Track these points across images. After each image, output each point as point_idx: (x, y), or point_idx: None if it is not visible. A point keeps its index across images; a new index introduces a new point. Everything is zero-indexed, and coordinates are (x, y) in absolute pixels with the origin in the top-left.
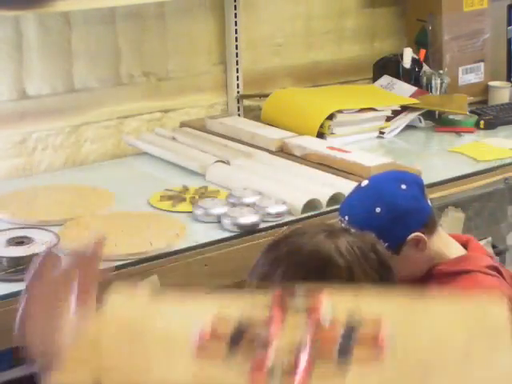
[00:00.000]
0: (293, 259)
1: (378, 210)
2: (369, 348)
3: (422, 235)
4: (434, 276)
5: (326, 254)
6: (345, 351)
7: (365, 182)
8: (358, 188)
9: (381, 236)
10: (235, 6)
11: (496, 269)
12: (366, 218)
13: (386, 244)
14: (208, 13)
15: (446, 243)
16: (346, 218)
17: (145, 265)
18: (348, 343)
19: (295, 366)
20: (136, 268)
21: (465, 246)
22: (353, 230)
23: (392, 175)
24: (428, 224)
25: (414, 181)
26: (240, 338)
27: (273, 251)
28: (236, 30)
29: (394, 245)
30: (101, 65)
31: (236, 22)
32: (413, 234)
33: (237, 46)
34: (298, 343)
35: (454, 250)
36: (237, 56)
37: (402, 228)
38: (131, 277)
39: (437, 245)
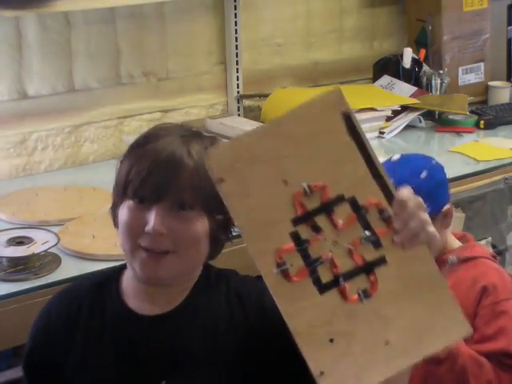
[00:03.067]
0: (153, 162)
1: (423, 174)
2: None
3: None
4: (442, 264)
5: (179, 158)
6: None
7: (396, 156)
8: (391, 160)
9: (427, 200)
10: (235, 5)
11: (495, 257)
12: (412, 181)
13: (429, 210)
14: (208, 13)
15: (451, 234)
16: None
17: None
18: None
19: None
20: None
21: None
22: (205, 134)
23: (420, 154)
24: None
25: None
26: None
27: (137, 152)
28: (236, 29)
29: (434, 211)
30: (101, 65)
31: (236, 21)
32: (447, 205)
33: (237, 46)
34: None
35: (456, 242)
36: (237, 56)
37: (442, 196)
38: None
39: (448, 233)
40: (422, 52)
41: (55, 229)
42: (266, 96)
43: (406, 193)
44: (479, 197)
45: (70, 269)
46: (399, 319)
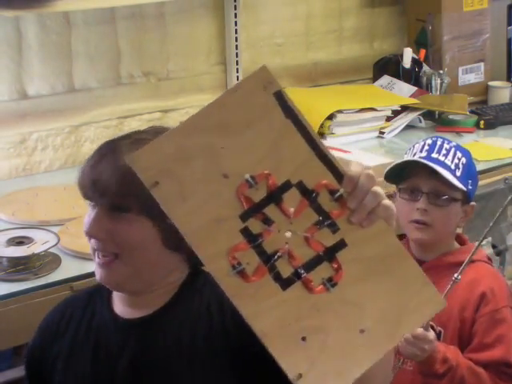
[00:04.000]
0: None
1: (463, 160)
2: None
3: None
4: (441, 265)
5: (112, 160)
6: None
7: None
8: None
9: (472, 177)
10: (235, 5)
11: (490, 260)
12: (470, 156)
13: (471, 187)
14: (208, 13)
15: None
16: (455, 143)
17: None
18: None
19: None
20: None
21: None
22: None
23: None
24: None
25: None
26: None
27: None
28: (236, 30)
29: (472, 193)
30: (101, 65)
31: (236, 22)
32: (473, 202)
33: (237, 46)
34: None
35: (455, 243)
36: (237, 56)
37: (474, 187)
38: None
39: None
40: (422, 52)
41: (55, 229)
42: None
43: (355, 168)
44: (479, 197)
45: (70, 269)
46: (370, 303)
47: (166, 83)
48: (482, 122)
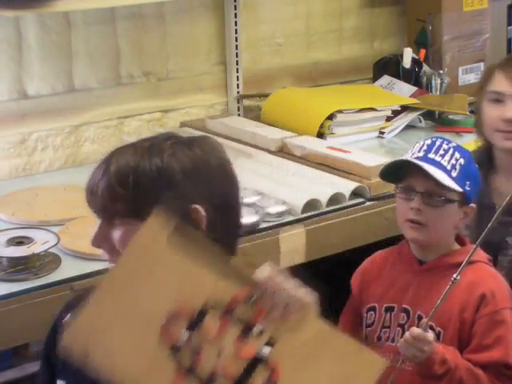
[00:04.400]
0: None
1: (462, 161)
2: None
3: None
4: (441, 266)
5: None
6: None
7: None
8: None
9: (471, 178)
10: (235, 6)
11: (490, 261)
12: (469, 156)
13: (469, 188)
14: (208, 13)
15: (453, 235)
16: (454, 144)
17: None
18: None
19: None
20: None
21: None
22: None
23: None
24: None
25: None
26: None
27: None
28: (236, 30)
29: (470, 195)
30: (101, 65)
31: (236, 21)
32: (473, 204)
33: (237, 46)
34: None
35: (455, 244)
36: (237, 56)
37: (476, 190)
38: None
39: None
40: (422, 52)
41: (55, 229)
42: (266, 96)
43: (263, 271)
44: None
45: (70, 269)
46: None
47: (166, 83)
48: None
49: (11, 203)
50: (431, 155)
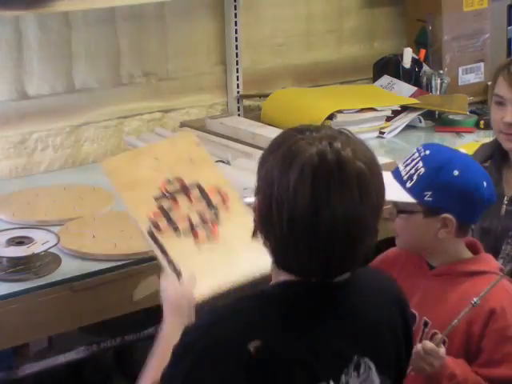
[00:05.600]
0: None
1: (456, 173)
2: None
3: (453, 220)
4: (451, 273)
5: None
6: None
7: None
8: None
9: (433, 188)
10: (235, 6)
11: (502, 271)
12: (441, 167)
13: (430, 199)
14: (208, 13)
15: (463, 244)
16: (428, 152)
17: (145, 265)
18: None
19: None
20: (136, 268)
21: (468, 247)
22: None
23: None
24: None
25: None
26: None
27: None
28: (236, 30)
29: (433, 206)
30: (101, 65)
31: (236, 22)
32: (449, 216)
33: (237, 46)
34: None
35: (466, 251)
36: (237, 56)
37: (453, 203)
38: (131, 277)
39: (458, 243)
40: (422, 52)
41: (55, 229)
42: (266, 96)
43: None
44: None
45: (70, 269)
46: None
47: (166, 83)
48: (481, 122)
49: (11, 203)
50: (400, 164)
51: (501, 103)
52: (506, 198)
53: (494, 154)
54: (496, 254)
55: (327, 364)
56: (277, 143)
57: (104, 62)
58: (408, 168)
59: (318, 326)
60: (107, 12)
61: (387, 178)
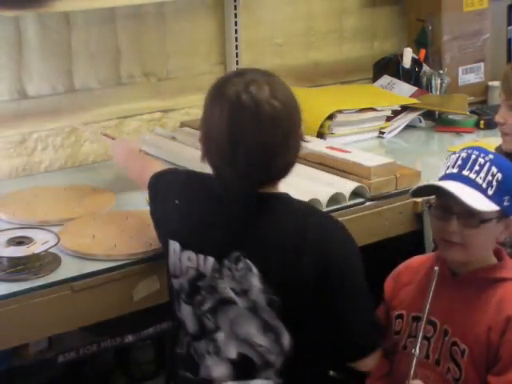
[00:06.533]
0: None
1: (499, 176)
2: None
3: None
4: (476, 281)
5: None
6: None
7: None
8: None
9: (510, 193)
10: (235, 5)
11: None
12: (509, 168)
13: (508, 203)
14: (208, 13)
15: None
16: (491, 156)
17: (145, 265)
18: None
19: None
20: (136, 268)
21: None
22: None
23: None
24: None
25: None
26: None
27: None
28: (236, 29)
29: (509, 209)
30: (101, 65)
31: (236, 21)
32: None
33: (237, 45)
34: None
35: (492, 257)
36: (237, 56)
37: None
38: (131, 277)
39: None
40: (422, 52)
41: (55, 229)
42: None
43: None
44: None
45: (70, 269)
46: None
47: (166, 83)
48: (481, 122)
49: (11, 203)
50: (466, 172)
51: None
52: None
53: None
54: None
55: (206, 241)
56: (212, 85)
57: (104, 62)
58: (482, 174)
59: (215, 209)
60: (107, 12)
61: (462, 188)
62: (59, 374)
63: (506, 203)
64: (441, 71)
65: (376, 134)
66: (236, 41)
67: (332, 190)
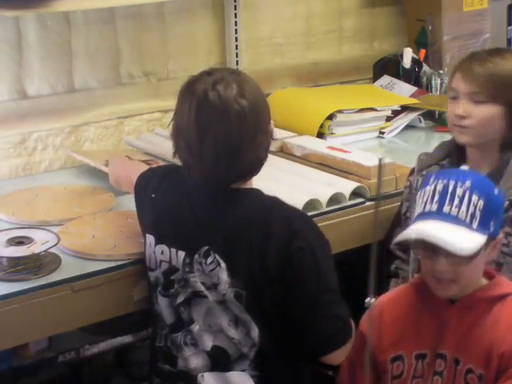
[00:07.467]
0: None
1: (496, 191)
2: None
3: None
4: (477, 302)
5: None
6: None
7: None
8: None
9: (494, 215)
10: (235, 5)
11: None
12: (488, 191)
13: (494, 227)
14: (208, 13)
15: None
16: (468, 183)
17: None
18: None
19: None
20: (136, 268)
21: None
22: None
23: None
24: None
25: None
26: None
27: None
28: (236, 29)
29: (495, 232)
30: (101, 65)
31: (236, 21)
32: (500, 235)
33: (237, 45)
34: None
35: (482, 279)
36: (237, 56)
37: (501, 223)
38: (131, 277)
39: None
40: (422, 52)
41: (55, 229)
42: (265, 96)
43: None
44: None
45: (70, 269)
46: None
47: (166, 83)
48: None
49: (11, 203)
50: (446, 208)
51: (455, 98)
52: None
53: (451, 152)
54: None
55: (178, 235)
56: (184, 83)
57: (104, 62)
58: (464, 208)
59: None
60: (107, 12)
61: (447, 230)
62: (59, 374)
63: (492, 228)
64: (441, 71)
65: (376, 134)
66: (236, 41)
67: (332, 190)
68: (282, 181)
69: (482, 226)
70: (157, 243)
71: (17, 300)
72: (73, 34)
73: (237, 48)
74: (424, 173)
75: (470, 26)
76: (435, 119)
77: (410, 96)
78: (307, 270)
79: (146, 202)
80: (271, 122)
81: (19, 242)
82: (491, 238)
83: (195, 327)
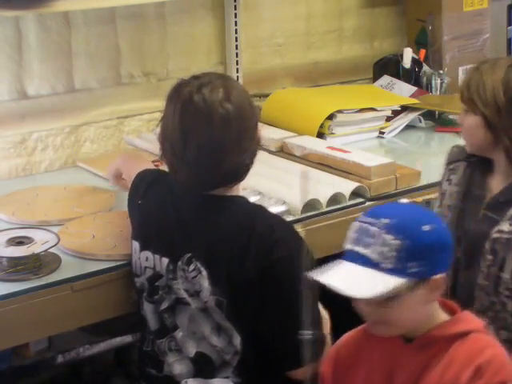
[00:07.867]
0: None
1: (426, 228)
2: None
3: (445, 279)
4: (433, 341)
5: None
6: None
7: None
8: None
9: (417, 256)
10: (235, 5)
11: (486, 327)
12: (411, 229)
13: (417, 269)
14: (208, 13)
15: (436, 304)
16: (386, 220)
17: None
18: None
19: None
20: None
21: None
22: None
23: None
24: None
25: None
26: None
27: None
28: (236, 29)
29: (422, 274)
30: (101, 65)
31: (236, 21)
32: (441, 275)
33: (237, 45)
34: None
35: (442, 314)
36: (237, 56)
37: (437, 260)
38: (131, 277)
39: (435, 305)
40: (422, 52)
41: (55, 229)
42: (266, 96)
43: None
44: None
45: (70, 269)
46: None
47: (166, 83)
48: None
49: (11, 203)
50: (358, 248)
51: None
52: (485, 202)
53: (471, 157)
54: (471, 258)
55: (162, 242)
56: (171, 86)
57: (104, 62)
58: (377, 247)
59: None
60: (107, 12)
61: (353, 271)
62: (59, 374)
63: (412, 270)
64: (441, 71)
65: (376, 134)
66: (236, 41)
67: (332, 190)
68: (282, 181)
69: (398, 268)
70: (141, 249)
71: (17, 300)
72: (73, 34)
73: (237, 48)
74: (452, 167)
75: (470, 26)
76: (435, 119)
77: (410, 96)
78: (284, 279)
79: (134, 207)
80: (259, 128)
81: (19, 242)
82: (422, 278)
83: (179, 334)
